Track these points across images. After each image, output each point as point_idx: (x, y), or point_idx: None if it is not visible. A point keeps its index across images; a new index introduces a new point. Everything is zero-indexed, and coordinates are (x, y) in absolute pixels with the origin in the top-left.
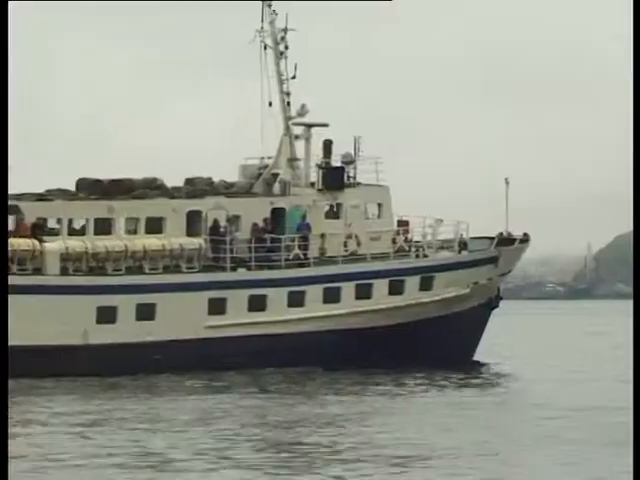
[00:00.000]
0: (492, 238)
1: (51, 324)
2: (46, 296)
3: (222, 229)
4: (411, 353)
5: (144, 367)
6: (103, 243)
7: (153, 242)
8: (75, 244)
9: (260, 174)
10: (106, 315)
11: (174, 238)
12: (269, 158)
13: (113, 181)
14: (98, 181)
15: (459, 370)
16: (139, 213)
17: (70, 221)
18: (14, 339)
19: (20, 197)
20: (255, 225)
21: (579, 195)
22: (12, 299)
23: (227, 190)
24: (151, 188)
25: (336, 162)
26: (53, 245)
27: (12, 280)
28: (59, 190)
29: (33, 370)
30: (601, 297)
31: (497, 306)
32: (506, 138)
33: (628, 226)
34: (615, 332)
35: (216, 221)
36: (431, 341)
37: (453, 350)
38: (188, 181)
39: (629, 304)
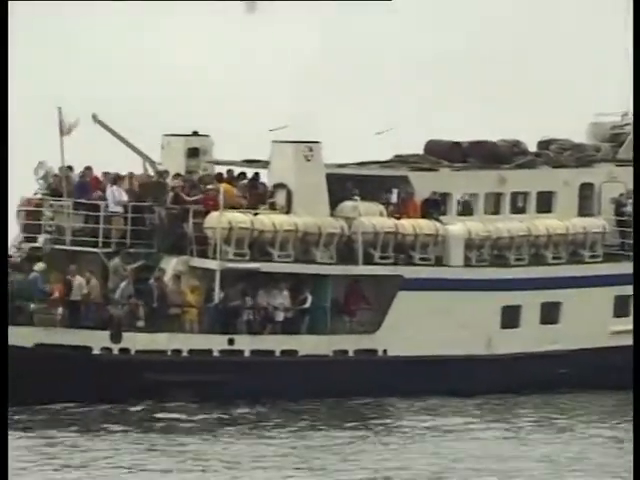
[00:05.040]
0: None
1: (450, 328)
2: (448, 293)
3: (626, 207)
4: None
5: (547, 383)
6: (505, 226)
7: (557, 224)
8: (478, 227)
9: (614, 135)
10: (511, 317)
11: (572, 218)
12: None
13: (473, 143)
14: (456, 144)
15: None
16: (529, 186)
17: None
18: (402, 347)
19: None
20: None
21: None
22: (408, 295)
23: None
24: (514, 153)
25: None
26: (457, 228)
27: (412, 272)
28: (414, 155)
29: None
30: None
31: None
32: None
33: None
34: None
35: (621, 196)
36: None
37: None
38: (541, 144)
39: None
